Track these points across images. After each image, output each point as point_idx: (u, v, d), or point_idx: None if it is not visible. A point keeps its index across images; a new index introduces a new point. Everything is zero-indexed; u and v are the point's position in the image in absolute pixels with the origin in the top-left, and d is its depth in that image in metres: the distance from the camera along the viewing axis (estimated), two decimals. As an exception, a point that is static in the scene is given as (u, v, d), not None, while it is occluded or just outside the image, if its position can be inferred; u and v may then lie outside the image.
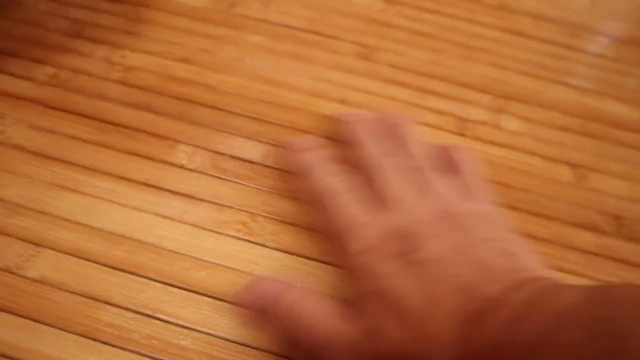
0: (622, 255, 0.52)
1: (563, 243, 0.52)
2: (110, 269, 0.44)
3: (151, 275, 0.43)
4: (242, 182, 0.51)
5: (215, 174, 0.51)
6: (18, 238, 0.45)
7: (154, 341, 0.40)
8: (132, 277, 0.43)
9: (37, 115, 0.54)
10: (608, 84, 0.70)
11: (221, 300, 0.43)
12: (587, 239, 0.53)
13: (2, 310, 0.40)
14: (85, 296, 0.42)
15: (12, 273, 0.43)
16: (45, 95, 0.55)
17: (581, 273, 0.50)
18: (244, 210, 0.49)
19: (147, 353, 0.40)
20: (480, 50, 0.70)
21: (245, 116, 0.56)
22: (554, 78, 0.69)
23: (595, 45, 0.75)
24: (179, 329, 0.41)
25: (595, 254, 0.52)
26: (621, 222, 0.54)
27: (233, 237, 0.47)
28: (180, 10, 0.68)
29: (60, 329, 0.40)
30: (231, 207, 0.49)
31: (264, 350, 0.40)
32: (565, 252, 0.52)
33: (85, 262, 0.44)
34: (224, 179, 0.51)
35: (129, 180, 0.49)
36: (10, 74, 0.57)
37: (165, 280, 0.43)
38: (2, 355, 0.38)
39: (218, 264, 0.45)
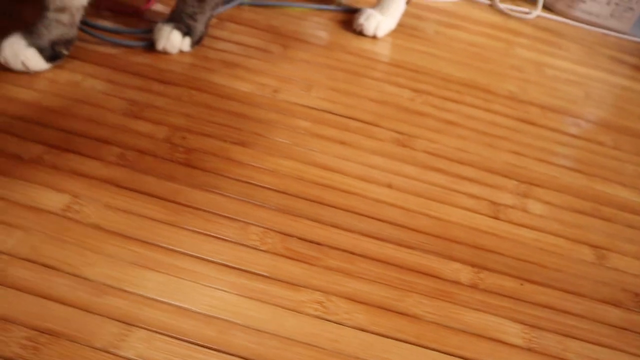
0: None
1: (595, 318, 0.57)
2: (202, 348, 0.46)
3: (244, 354, 0.46)
4: (311, 263, 0.54)
5: (286, 255, 0.54)
6: (110, 317, 0.46)
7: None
8: (225, 356, 0.45)
9: (110, 195, 0.56)
10: (610, 170, 0.78)
11: (308, 378, 0.45)
12: (614, 314, 0.58)
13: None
14: (180, 376, 0.43)
15: (109, 352, 0.44)
16: (116, 175, 0.58)
17: (617, 347, 0.55)
18: (318, 290, 0.52)
19: None
20: (500, 137, 0.78)
21: (306, 199, 0.60)
22: (565, 164, 0.76)
23: (596, 134, 0.84)
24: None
25: (624, 329, 0.57)
26: (601, 254, 0.60)
27: (312, 315, 0.50)
28: (229, 94, 0.73)
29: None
30: (306, 287, 0.52)
31: None
32: (599, 327, 0.57)
33: (178, 342, 0.46)
34: (295, 259, 0.54)
35: (209, 261, 0.52)
36: (79, 154, 0.60)
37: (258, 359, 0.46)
38: None
39: (303, 342, 0.48)
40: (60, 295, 0.47)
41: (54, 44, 0.69)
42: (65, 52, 0.71)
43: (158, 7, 0.87)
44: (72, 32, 0.71)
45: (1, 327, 0.44)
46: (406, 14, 0.97)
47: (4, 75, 0.68)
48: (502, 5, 1.15)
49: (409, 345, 0.50)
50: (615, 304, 0.59)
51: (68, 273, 0.49)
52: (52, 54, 0.69)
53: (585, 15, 1.19)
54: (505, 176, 0.72)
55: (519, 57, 1.00)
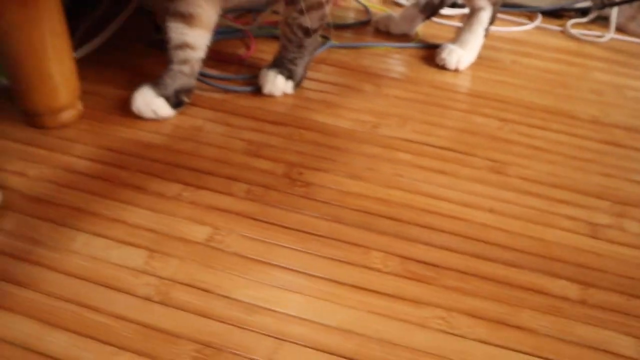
0: None
1: None
2: (345, 360, 0.51)
3: (383, 366, 0.51)
4: (430, 282, 0.59)
5: (406, 276, 0.60)
6: (261, 333, 0.53)
7: None
8: (366, 367, 0.51)
9: (245, 226, 0.63)
10: None
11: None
12: None
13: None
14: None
15: (267, 364, 0.50)
16: (247, 209, 0.66)
17: None
18: (439, 307, 0.57)
19: None
20: (588, 161, 0.81)
21: (418, 225, 0.66)
22: (658, 185, 0.79)
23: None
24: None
25: None
26: None
27: (437, 329, 0.55)
28: (334, 131, 0.80)
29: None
30: (427, 304, 0.57)
31: None
32: None
33: (324, 354, 0.52)
34: (414, 279, 0.59)
35: (339, 282, 0.58)
36: (212, 190, 0.68)
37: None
38: None
39: (433, 354, 0.52)
40: (217, 314, 0.54)
41: (177, 92, 0.79)
42: (187, 99, 0.80)
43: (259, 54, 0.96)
44: (192, 81, 0.81)
45: (172, 342, 0.51)
46: (483, 45, 1.02)
47: (136, 122, 0.78)
48: (574, 31, 1.18)
49: (529, 357, 0.54)
50: None
51: (220, 295, 0.56)
52: (176, 102, 0.79)
53: (658, 35, 1.20)
54: (599, 197, 0.75)
55: (596, 80, 1.03)
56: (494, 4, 0.99)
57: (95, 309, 0.53)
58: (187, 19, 0.78)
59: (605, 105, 0.95)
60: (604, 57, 1.12)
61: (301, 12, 0.81)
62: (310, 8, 0.81)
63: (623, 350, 0.56)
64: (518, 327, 0.56)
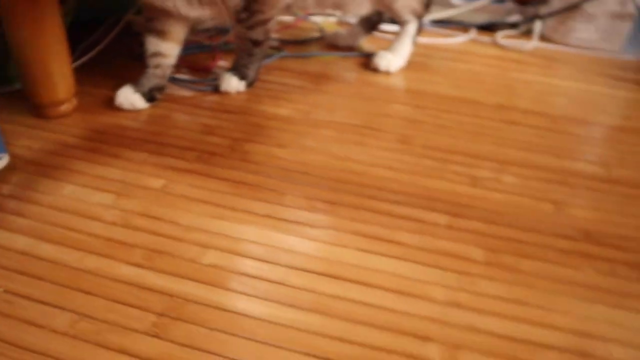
0: (593, 253, 0.75)
1: (548, 244, 0.76)
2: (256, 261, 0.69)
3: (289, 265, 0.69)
4: (328, 214, 0.78)
5: (311, 210, 0.78)
6: (193, 244, 0.71)
7: None
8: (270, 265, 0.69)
9: (193, 179, 0.83)
10: (581, 152, 0.96)
11: None
12: (563, 244, 0.76)
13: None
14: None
15: (195, 262, 0.69)
16: (195, 168, 0.86)
17: (563, 264, 0.73)
18: (332, 228, 0.75)
19: None
20: (485, 134, 0.99)
21: (326, 178, 0.85)
22: (539, 150, 0.96)
23: (571, 127, 1.03)
24: None
25: (570, 252, 0.75)
26: (588, 234, 0.78)
27: (327, 242, 0.73)
28: (273, 116, 1.00)
29: None
30: (322, 227, 0.75)
31: None
32: (550, 251, 0.75)
33: (240, 257, 0.70)
34: (318, 211, 0.78)
35: (255, 213, 0.77)
36: (170, 156, 0.88)
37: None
38: None
39: (320, 257, 0.70)
40: (163, 232, 0.73)
41: (151, 90, 1.00)
42: (158, 96, 1.02)
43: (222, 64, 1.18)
44: (164, 82, 1.02)
45: (128, 249, 0.70)
46: (417, 53, 1.23)
47: (118, 113, 0.99)
48: (503, 41, 1.38)
49: (397, 260, 0.71)
50: (566, 238, 0.77)
51: (168, 221, 0.75)
52: (150, 97, 1.00)
53: (579, 41, 1.39)
54: (486, 159, 0.92)
55: (511, 78, 1.21)
56: (418, 17, 1.19)
57: (75, 230, 0.73)
58: (160, 34, 1.00)
59: (512, 95, 1.14)
60: (524, 61, 1.30)
61: (248, 28, 1.03)
62: (256, 24, 1.02)
63: (473, 256, 0.73)
64: (391, 242, 0.74)
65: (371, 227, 0.76)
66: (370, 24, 1.27)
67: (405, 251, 0.73)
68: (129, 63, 1.14)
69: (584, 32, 1.39)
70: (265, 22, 1.03)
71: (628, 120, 1.10)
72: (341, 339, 0.60)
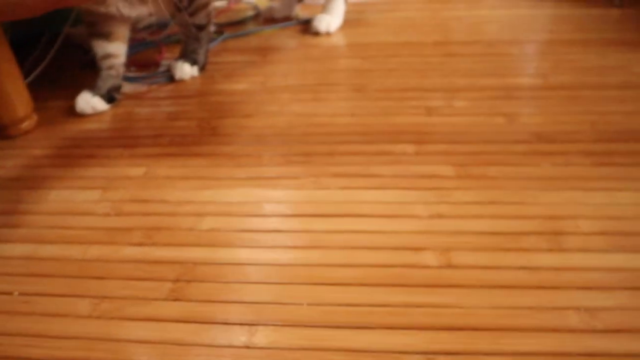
0: (547, 150, 0.83)
1: (508, 151, 0.83)
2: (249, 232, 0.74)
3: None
4: (304, 164, 0.83)
5: (287, 164, 0.83)
6: (187, 215, 0.76)
7: None
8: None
9: (171, 161, 0.87)
10: (519, 69, 1.05)
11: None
12: (521, 148, 0.84)
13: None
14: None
15: (193, 230, 0.73)
16: (171, 151, 0.89)
17: (522, 164, 0.80)
18: (311, 175, 0.80)
19: None
20: (430, 69, 1.06)
21: (295, 134, 0.90)
22: (482, 74, 1.04)
23: (506, 49, 1.12)
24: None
25: (530, 154, 0.83)
26: (540, 135, 0.86)
27: (311, 188, 0.78)
28: (232, 92, 1.04)
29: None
30: (302, 176, 0.80)
31: None
32: (510, 155, 0.82)
33: (231, 217, 0.74)
34: (293, 163, 0.83)
35: (238, 178, 0.81)
36: (144, 145, 0.91)
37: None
38: None
39: (303, 201, 0.76)
40: (155, 211, 0.77)
41: (109, 91, 1.02)
42: (117, 96, 1.04)
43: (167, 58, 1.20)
44: (119, 81, 1.05)
45: (126, 233, 0.74)
46: (350, 11, 1.28)
47: (81, 118, 1.01)
48: (428, -13, 1.45)
49: (376, 190, 0.77)
50: (523, 142, 0.85)
51: (157, 200, 0.79)
52: (109, 98, 1.02)
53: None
54: (436, 91, 0.99)
55: (443, 17, 1.29)
56: (347, -23, 1.25)
57: (71, 227, 0.76)
58: (105, 36, 1.02)
59: (447, 32, 1.21)
60: (453, 1, 1.38)
61: (191, 14, 1.06)
62: (197, 9, 1.06)
63: (444, 173, 0.80)
64: (368, 176, 0.80)
65: (347, 167, 0.82)
66: (302, -9, 1.32)
67: (383, 181, 0.79)
68: (79, 72, 1.15)
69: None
70: (205, 5, 1.06)
71: (553, 33, 1.19)
72: (343, 265, 0.66)
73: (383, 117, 0.93)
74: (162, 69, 1.16)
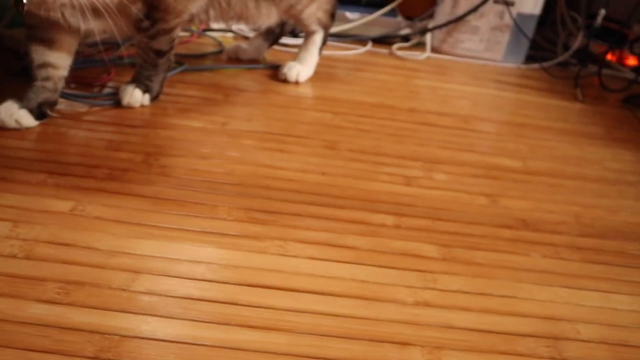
0: (535, 239, 0.75)
1: (494, 235, 0.75)
2: (199, 281, 0.60)
3: (230, 281, 0.60)
4: (269, 224, 0.70)
5: (249, 221, 0.70)
6: (120, 269, 0.60)
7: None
8: (218, 284, 0.60)
9: (106, 198, 0.71)
10: (497, 148, 1.00)
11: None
12: (507, 234, 0.76)
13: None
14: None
15: (124, 290, 0.58)
16: (107, 186, 0.74)
17: (511, 251, 0.72)
18: (277, 239, 0.68)
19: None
20: (405, 136, 0.99)
21: (260, 187, 0.78)
22: (460, 148, 0.97)
23: (481, 126, 1.07)
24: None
25: (516, 240, 0.75)
26: (525, 222, 0.79)
27: (275, 254, 0.65)
28: (187, 129, 0.91)
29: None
30: (267, 238, 0.68)
31: None
32: (496, 241, 0.74)
33: (176, 279, 0.60)
34: (257, 222, 0.70)
35: (189, 230, 0.68)
36: (75, 175, 0.75)
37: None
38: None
39: (270, 270, 0.63)
40: (78, 260, 0.61)
41: (41, 105, 0.86)
42: (51, 113, 0.88)
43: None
44: (55, 96, 0.89)
45: (37, 284, 0.57)
46: (321, 64, 1.20)
47: (2, 131, 0.83)
48: (399, 52, 1.41)
49: (351, 265, 0.66)
50: (508, 227, 0.78)
51: (82, 247, 0.63)
52: (39, 114, 0.86)
53: (466, 51, 1.47)
54: (413, 159, 0.91)
55: (415, 85, 1.24)
56: (324, 27, 1.17)
57: (-40, 269, 0.58)
58: (47, 42, 0.87)
59: (421, 100, 1.16)
60: (422, 70, 1.34)
61: (151, 37, 0.93)
62: (159, 34, 0.93)
63: (428, 254, 0.70)
64: (343, 246, 0.69)
65: (318, 233, 0.70)
66: (274, 36, 1.23)
67: (359, 255, 0.68)
68: (11, 80, 0.98)
69: (469, 42, 1.47)
70: (169, 31, 0.94)
71: (525, 117, 1.16)
72: (314, 357, 0.53)
73: (357, 181, 0.83)
74: (106, 91, 1.01)
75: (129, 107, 0.95)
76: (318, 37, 1.17)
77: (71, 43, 0.90)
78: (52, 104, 0.88)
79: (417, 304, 0.62)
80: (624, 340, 0.61)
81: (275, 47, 1.28)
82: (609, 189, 0.93)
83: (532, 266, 0.71)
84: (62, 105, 0.92)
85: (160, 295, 0.58)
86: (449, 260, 0.69)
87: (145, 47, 0.94)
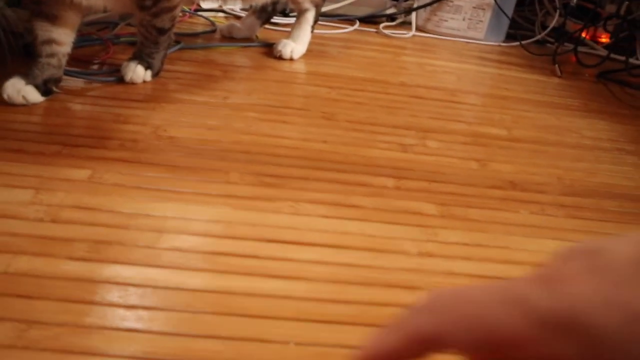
0: (523, 198, 0.81)
1: (485, 195, 0.81)
2: (217, 238, 0.64)
3: (242, 235, 0.65)
4: (280, 187, 0.75)
5: (261, 185, 0.75)
6: (144, 230, 0.64)
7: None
8: (229, 240, 0.64)
9: (121, 167, 0.74)
10: (483, 119, 1.05)
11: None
12: (497, 193, 0.82)
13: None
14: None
15: (150, 247, 0.61)
16: (121, 156, 0.77)
17: (500, 208, 0.78)
18: (289, 200, 0.72)
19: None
20: (398, 108, 1.03)
21: (266, 154, 0.82)
22: (449, 118, 1.03)
23: (468, 99, 1.12)
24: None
25: (505, 199, 0.81)
26: (513, 183, 0.85)
27: (288, 213, 0.70)
28: (191, 103, 0.94)
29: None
30: (279, 199, 0.72)
31: None
32: (488, 200, 0.80)
33: (198, 237, 0.64)
34: (268, 186, 0.74)
35: (205, 194, 0.71)
36: (88, 146, 0.78)
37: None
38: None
39: (282, 227, 0.67)
40: (103, 222, 0.64)
41: (46, 82, 0.88)
42: (56, 89, 0.90)
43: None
44: (60, 73, 0.91)
45: (67, 244, 0.61)
46: (313, 42, 1.24)
47: (8, 108, 0.85)
48: (386, 31, 1.46)
49: (359, 222, 0.70)
50: (498, 188, 0.83)
51: (105, 210, 0.66)
52: (45, 90, 0.88)
53: (449, 30, 1.52)
54: (407, 129, 0.96)
55: (403, 61, 1.29)
56: (316, 5, 1.21)
57: (-8, 232, 0.61)
58: (51, 18, 0.89)
59: (410, 75, 1.21)
60: (408, 47, 1.39)
61: (154, 15, 0.96)
62: (162, 11, 0.96)
63: (428, 211, 0.75)
64: (350, 206, 0.73)
65: (326, 195, 0.75)
66: (266, 14, 1.26)
67: (365, 213, 0.73)
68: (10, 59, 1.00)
69: (452, 21, 1.52)
70: (171, 9, 0.96)
71: (508, 91, 1.22)
72: (333, 301, 0.58)
73: (357, 148, 0.88)
74: (108, 68, 1.03)
75: (132, 83, 0.98)
76: (310, 15, 1.20)
77: (74, 19, 0.92)
78: (57, 81, 0.91)
79: (421, 254, 0.67)
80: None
81: (267, 26, 1.31)
82: (587, 154, 0.99)
83: (522, 221, 0.77)
84: (65, 82, 0.95)
85: (185, 251, 0.62)
86: (446, 217, 0.75)
87: (148, 24, 0.96)
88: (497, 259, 0.68)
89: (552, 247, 0.72)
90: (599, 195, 0.86)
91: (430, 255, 0.67)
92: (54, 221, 0.64)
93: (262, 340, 0.52)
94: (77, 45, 0.98)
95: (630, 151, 1.02)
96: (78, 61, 1.03)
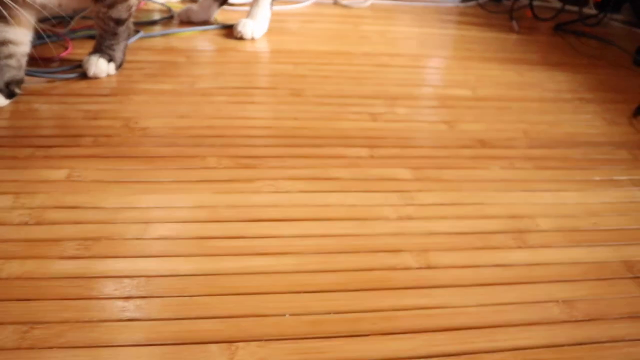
0: (492, 155, 0.85)
1: (457, 155, 0.84)
2: (197, 223, 0.66)
3: (227, 218, 0.66)
4: (257, 167, 0.76)
5: (238, 167, 0.76)
6: (130, 223, 0.65)
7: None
8: (213, 224, 0.66)
9: (98, 164, 0.75)
10: (448, 81, 1.08)
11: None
12: (468, 152, 0.85)
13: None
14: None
15: (138, 239, 0.63)
16: (96, 152, 0.77)
17: (471, 167, 0.81)
18: (267, 179, 0.74)
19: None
20: (364, 78, 1.05)
21: (240, 136, 0.83)
22: (415, 84, 1.05)
23: (431, 62, 1.15)
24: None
25: (476, 157, 0.84)
26: (482, 141, 0.88)
27: (268, 192, 0.72)
28: (159, 92, 0.94)
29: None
30: (258, 179, 0.74)
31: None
32: (460, 160, 0.83)
33: (184, 224, 0.65)
34: (245, 167, 0.76)
35: (185, 181, 0.72)
36: (61, 146, 0.78)
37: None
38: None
39: (266, 205, 0.69)
40: (89, 219, 0.65)
41: (8, 84, 0.87)
42: (18, 90, 0.89)
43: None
44: (21, 74, 0.90)
45: (55, 244, 0.61)
46: (272, 20, 1.24)
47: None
48: (344, 1, 1.46)
49: (336, 193, 0.73)
50: (468, 147, 0.86)
51: (89, 208, 0.67)
52: (8, 93, 0.87)
53: (405, -4, 1.53)
54: (375, 98, 0.99)
55: (364, 30, 1.30)
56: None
57: (-23, 241, 0.61)
58: (4, 19, 0.87)
59: (372, 44, 1.22)
60: (368, 16, 1.41)
61: (109, 6, 0.95)
62: (116, 2, 0.95)
63: (403, 176, 0.78)
64: (327, 179, 0.76)
65: (303, 170, 0.77)
66: (222, -5, 1.25)
67: (343, 184, 0.75)
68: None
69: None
70: (126, -2, 0.95)
71: (469, 51, 1.25)
72: (322, 271, 0.61)
73: (328, 122, 0.89)
74: (68, 65, 1.02)
75: (95, 78, 0.97)
76: (268, -8, 1.20)
77: (29, 18, 0.90)
78: (19, 82, 0.89)
79: (400, 218, 0.70)
80: (575, 227, 0.71)
81: (225, 7, 1.30)
82: (550, 106, 1.03)
83: (493, 177, 0.80)
84: (27, 83, 0.93)
85: (174, 239, 0.63)
86: (421, 180, 0.77)
87: (104, 16, 0.95)
88: (473, 215, 0.72)
89: (523, 198, 0.76)
90: (564, 145, 0.90)
91: (409, 218, 0.70)
92: (39, 223, 0.64)
93: (258, 315, 0.55)
94: (33, 43, 0.96)
95: (590, 99, 1.06)
96: (37, 60, 1.01)
